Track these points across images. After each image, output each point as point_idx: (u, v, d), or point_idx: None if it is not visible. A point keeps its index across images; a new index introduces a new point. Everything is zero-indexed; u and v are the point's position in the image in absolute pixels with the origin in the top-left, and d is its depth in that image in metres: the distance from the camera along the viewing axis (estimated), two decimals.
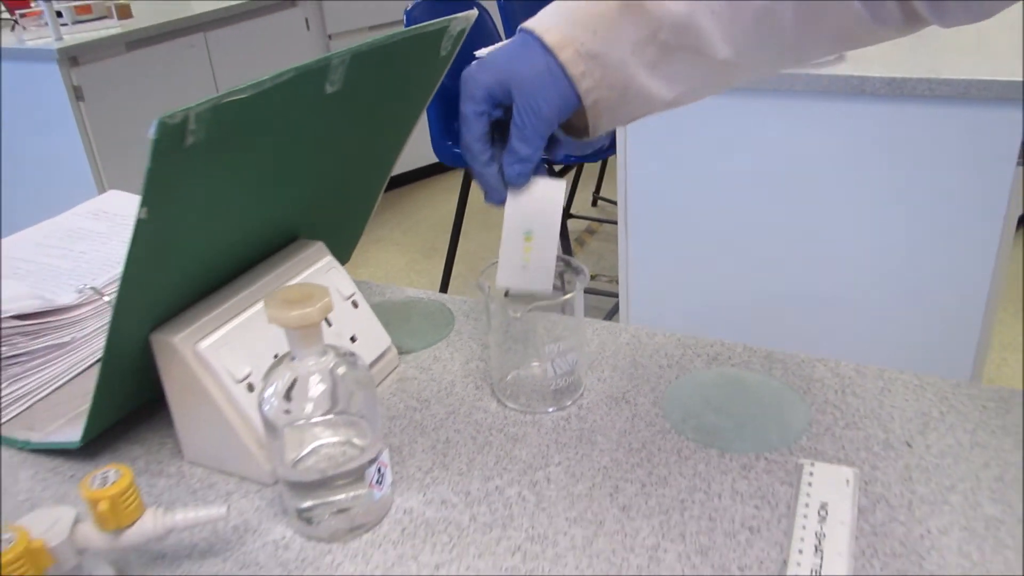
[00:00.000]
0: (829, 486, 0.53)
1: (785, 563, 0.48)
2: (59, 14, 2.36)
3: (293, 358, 0.49)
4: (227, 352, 0.56)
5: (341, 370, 0.50)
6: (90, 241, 0.83)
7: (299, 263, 0.64)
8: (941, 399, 0.60)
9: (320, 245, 0.67)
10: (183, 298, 0.57)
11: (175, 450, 0.61)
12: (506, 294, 0.60)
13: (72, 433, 0.62)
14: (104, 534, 0.47)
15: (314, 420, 0.51)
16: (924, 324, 1.45)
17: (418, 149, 2.70)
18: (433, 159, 2.39)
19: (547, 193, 0.55)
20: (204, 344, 0.55)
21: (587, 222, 3.01)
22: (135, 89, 2.50)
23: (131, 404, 0.63)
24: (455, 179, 2.80)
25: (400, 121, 0.69)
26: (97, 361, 0.72)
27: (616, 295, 2.01)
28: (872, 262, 1.46)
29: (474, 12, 0.64)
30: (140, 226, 0.45)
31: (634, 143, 1.54)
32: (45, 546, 0.44)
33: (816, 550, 0.48)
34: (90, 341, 0.72)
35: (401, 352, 0.71)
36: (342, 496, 0.52)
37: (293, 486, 0.52)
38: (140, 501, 0.47)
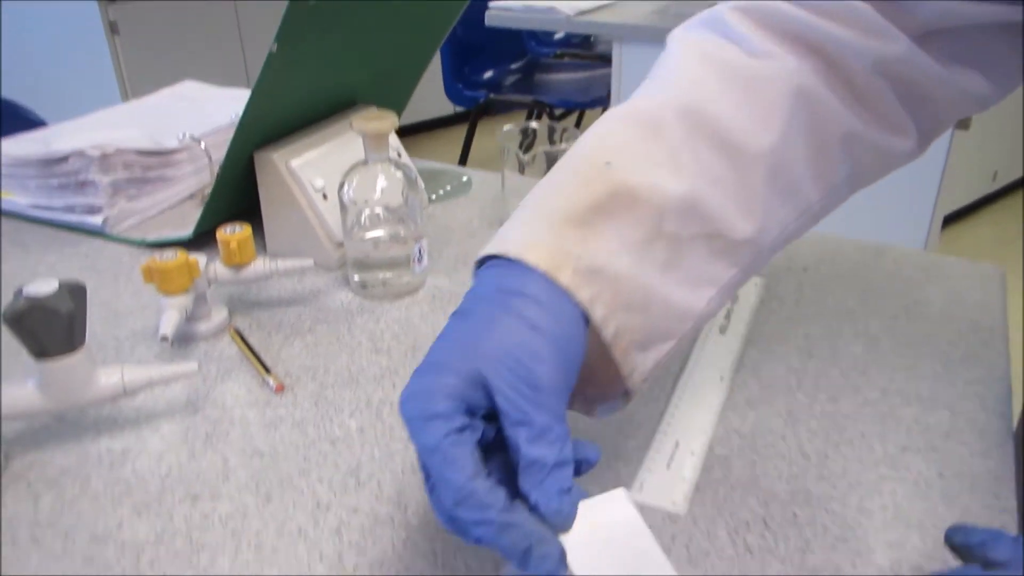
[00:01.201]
0: (743, 287, 0.73)
1: None
2: None
3: (366, 161, 0.69)
4: (310, 169, 0.75)
5: (398, 175, 0.70)
6: (175, 113, 1.02)
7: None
8: (835, 247, 0.81)
9: (374, 109, 0.86)
10: (279, 129, 0.76)
11: (258, 248, 0.80)
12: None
13: (181, 234, 0.81)
14: (228, 269, 0.67)
15: (376, 210, 0.70)
16: None
17: (418, 104, 2.86)
18: (433, 114, 2.55)
19: (613, 511, 0.36)
20: (294, 161, 0.75)
21: None
22: (165, 25, 2.67)
23: (229, 212, 0.83)
24: (457, 132, 2.99)
25: (439, 22, 0.88)
26: (191, 195, 0.92)
27: None
28: None
29: None
30: (270, 58, 0.65)
31: None
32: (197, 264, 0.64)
33: (727, 316, 0.68)
34: (185, 179, 0.92)
35: (430, 202, 0.91)
36: (388, 274, 0.72)
37: (355, 262, 0.72)
38: (254, 249, 0.67)
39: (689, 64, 0.46)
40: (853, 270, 0.76)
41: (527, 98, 2.63)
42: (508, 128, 0.86)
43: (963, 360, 0.62)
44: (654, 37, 1.63)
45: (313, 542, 0.46)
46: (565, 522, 0.34)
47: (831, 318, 0.69)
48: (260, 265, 0.67)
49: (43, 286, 0.50)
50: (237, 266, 0.67)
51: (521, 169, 0.84)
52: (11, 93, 1.34)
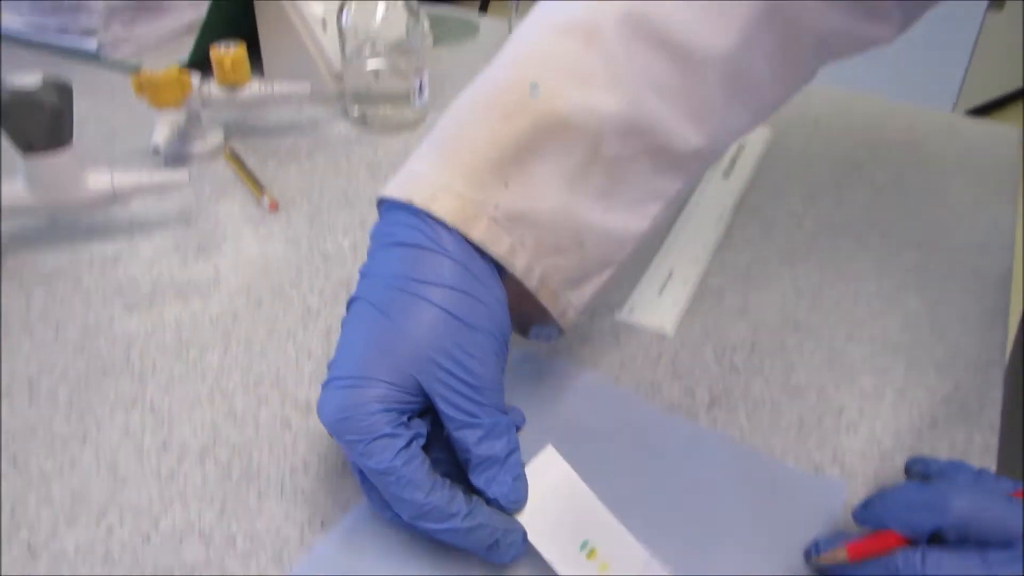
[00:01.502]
0: (750, 136, 0.71)
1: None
2: None
3: None
4: None
5: (399, 4, 0.67)
6: None
7: None
8: (849, 102, 0.78)
9: None
10: None
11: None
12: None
13: (179, 60, 0.79)
14: (223, 89, 0.65)
15: (377, 44, 0.68)
16: None
17: None
18: None
19: (548, 471, 0.35)
20: None
21: None
22: None
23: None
24: (472, 5, 2.89)
25: None
26: (188, 28, 0.89)
27: None
28: None
29: None
30: None
31: None
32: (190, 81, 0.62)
33: (732, 163, 0.67)
34: (183, 10, 0.89)
35: (435, 45, 0.88)
36: (388, 107, 0.70)
37: (355, 94, 0.70)
38: (249, 70, 0.65)
39: None
40: (865, 124, 0.74)
41: None
42: None
43: (970, 209, 0.61)
44: None
45: (302, 343, 0.47)
46: (522, 505, 0.34)
47: (837, 168, 0.67)
48: (255, 87, 0.66)
49: (27, 78, 0.48)
50: (232, 86, 0.65)
51: None
52: None
